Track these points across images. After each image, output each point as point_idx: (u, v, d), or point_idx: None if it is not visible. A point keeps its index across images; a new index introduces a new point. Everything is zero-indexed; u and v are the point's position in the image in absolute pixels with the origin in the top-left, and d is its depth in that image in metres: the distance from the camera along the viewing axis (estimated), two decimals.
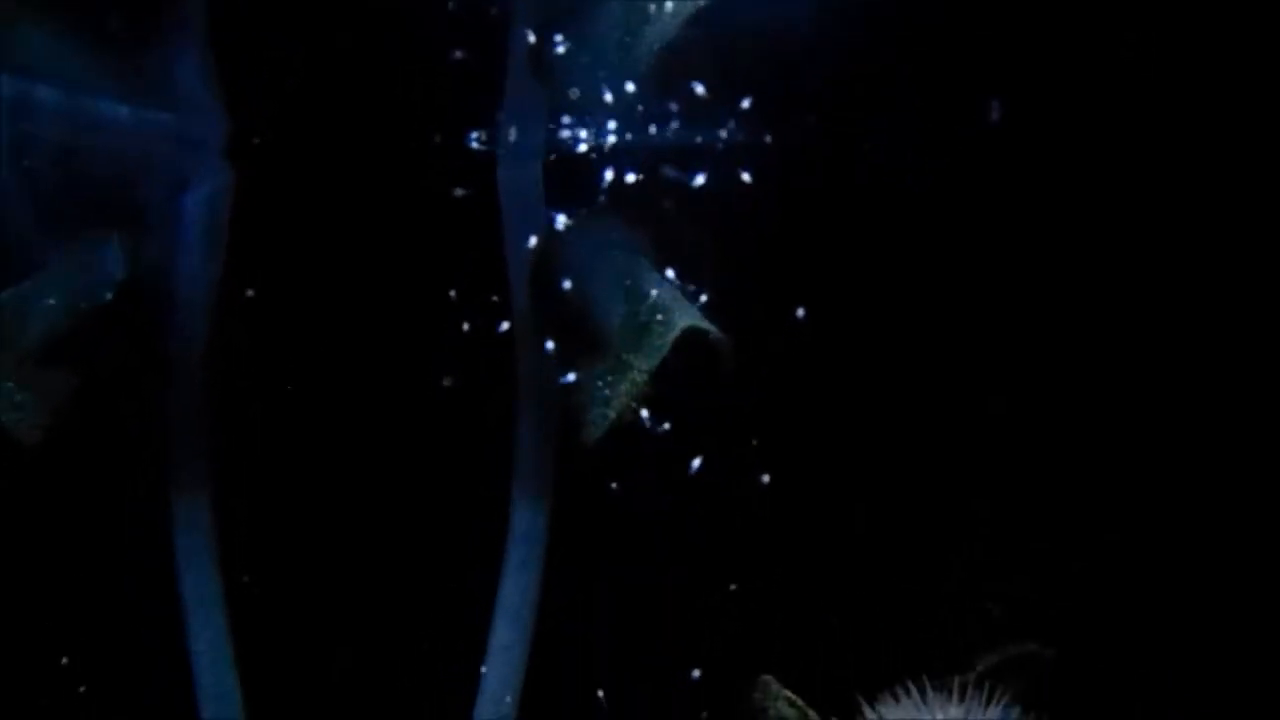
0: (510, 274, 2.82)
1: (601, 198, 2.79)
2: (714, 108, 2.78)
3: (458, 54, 2.78)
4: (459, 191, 2.83)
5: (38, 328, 2.76)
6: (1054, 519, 2.92)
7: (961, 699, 2.65)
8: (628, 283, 2.77)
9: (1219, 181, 2.85)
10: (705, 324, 2.72)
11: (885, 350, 2.93)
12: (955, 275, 2.90)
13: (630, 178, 2.78)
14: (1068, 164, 2.86)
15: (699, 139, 2.79)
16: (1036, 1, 2.83)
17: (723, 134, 2.78)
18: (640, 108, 2.76)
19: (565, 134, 2.80)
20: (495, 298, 2.85)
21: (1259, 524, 2.88)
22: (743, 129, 2.79)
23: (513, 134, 2.79)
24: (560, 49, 2.75)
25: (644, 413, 2.73)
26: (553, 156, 2.80)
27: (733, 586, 2.89)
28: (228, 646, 2.86)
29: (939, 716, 2.63)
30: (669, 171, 2.78)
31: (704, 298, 2.77)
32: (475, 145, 2.81)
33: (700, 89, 2.77)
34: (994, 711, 2.64)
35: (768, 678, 2.81)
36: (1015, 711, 2.65)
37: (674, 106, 2.78)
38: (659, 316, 2.73)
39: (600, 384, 2.75)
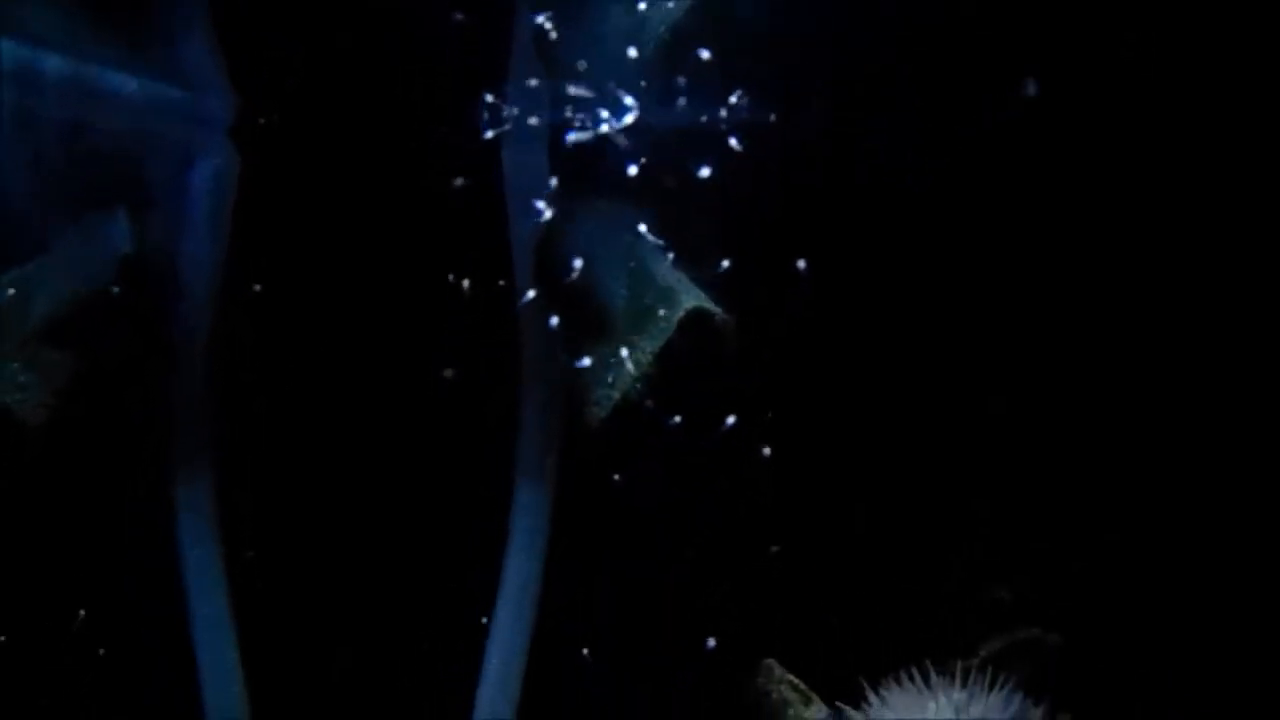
0: (514, 255, 2.83)
1: (605, 179, 2.80)
2: (719, 89, 2.79)
3: (463, 35, 2.80)
4: (462, 174, 2.84)
5: (42, 308, 2.76)
6: (1054, 519, 2.91)
7: (965, 684, 2.64)
8: (632, 264, 2.78)
9: (1220, 182, 2.86)
10: (710, 305, 2.73)
11: (884, 349, 2.93)
12: (956, 274, 2.91)
13: (634, 159, 2.79)
14: (1069, 164, 2.87)
15: (704, 120, 2.80)
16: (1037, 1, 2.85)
17: (728, 115, 2.79)
18: (644, 89, 2.77)
19: (569, 115, 2.81)
20: (499, 279, 2.85)
21: (1260, 524, 2.88)
22: (748, 110, 2.80)
23: (517, 115, 2.80)
24: (565, 30, 2.77)
25: (648, 394, 2.73)
26: (557, 138, 2.82)
27: (735, 570, 2.89)
28: (230, 631, 2.85)
29: (942, 701, 2.62)
30: (673, 153, 2.79)
31: (709, 278, 2.78)
32: (479, 126, 2.82)
33: (705, 71, 2.78)
34: (998, 697, 2.63)
35: (770, 661, 2.81)
36: (1019, 697, 2.64)
37: (678, 88, 2.79)
38: (663, 298, 2.74)
39: (605, 366, 2.76)
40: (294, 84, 2.84)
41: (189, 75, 2.79)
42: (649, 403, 2.75)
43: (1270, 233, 2.86)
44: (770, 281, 2.84)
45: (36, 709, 2.84)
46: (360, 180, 2.88)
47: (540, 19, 2.76)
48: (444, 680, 2.87)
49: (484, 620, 2.84)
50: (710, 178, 2.77)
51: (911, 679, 2.65)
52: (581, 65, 2.76)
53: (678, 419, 2.77)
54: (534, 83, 2.78)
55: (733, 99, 2.78)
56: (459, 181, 2.83)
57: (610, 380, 2.75)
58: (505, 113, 2.79)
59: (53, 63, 2.70)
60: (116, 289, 2.76)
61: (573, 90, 2.77)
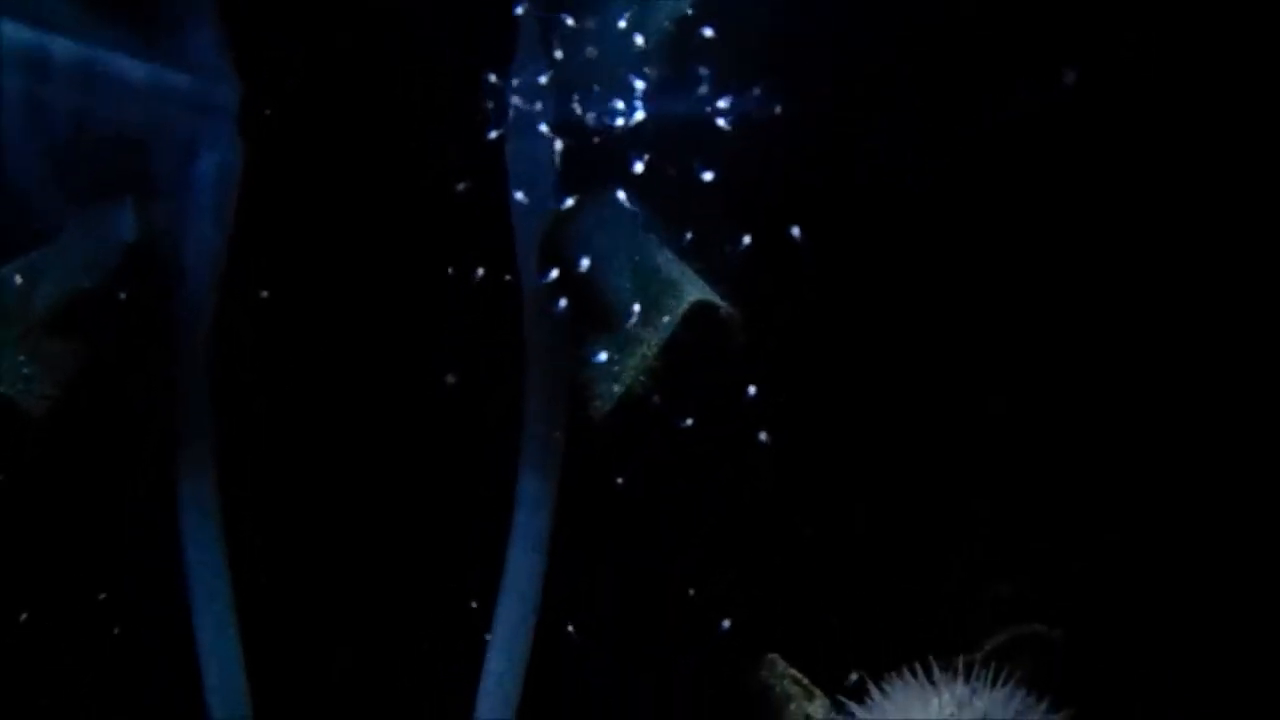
0: (518, 248, 2.83)
1: (610, 172, 2.80)
2: (724, 82, 2.80)
3: (468, 26, 2.80)
4: (466, 165, 2.84)
5: (46, 298, 2.76)
6: (1054, 519, 2.91)
7: (968, 680, 2.64)
8: (637, 257, 2.78)
9: (1220, 182, 2.86)
10: (715, 298, 2.73)
11: (885, 349, 2.94)
12: (956, 274, 2.91)
13: (639, 153, 2.79)
14: (1069, 164, 2.88)
15: (709, 113, 2.80)
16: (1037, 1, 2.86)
17: (733, 109, 2.80)
18: (649, 80, 2.78)
19: (574, 108, 2.81)
20: (503, 271, 2.85)
21: (1260, 523, 2.89)
22: (753, 103, 2.80)
23: (521, 106, 2.80)
24: (569, 21, 2.77)
25: (652, 387, 2.73)
26: (561, 131, 2.82)
27: (739, 564, 2.89)
28: (233, 628, 2.84)
29: (945, 697, 2.62)
30: (677, 146, 2.79)
31: (713, 272, 2.78)
32: (484, 117, 2.82)
33: (711, 64, 2.79)
34: (1000, 692, 2.62)
35: (774, 656, 2.81)
36: (1022, 693, 2.64)
37: (683, 81, 2.80)
38: (668, 291, 2.74)
39: (609, 359, 2.76)
40: (299, 74, 2.84)
41: (196, 64, 2.79)
42: (654, 396, 2.75)
43: (1270, 233, 2.87)
44: (773, 277, 2.84)
45: (38, 706, 2.82)
46: (365, 171, 2.88)
47: (545, 10, 2.77)
48: (446, 677, 2.86)
49: (486, 617, 2.84)
50: (713, 170, 2.77)
51: (914, 674, 2.65)
52: (587, 54, 2.76)
53: (682, 413, 2.77)
54: (538, 73, 2.78)
55: (735, 93, 2.78)
56: (463, 173, 2.83)
57: (615, 373, 2.75)
58: (509, 103, 2.80)
59: (60, 48, 2.69)
60: (121, 275, 2.76)
61: (577, 81, 2.77)
